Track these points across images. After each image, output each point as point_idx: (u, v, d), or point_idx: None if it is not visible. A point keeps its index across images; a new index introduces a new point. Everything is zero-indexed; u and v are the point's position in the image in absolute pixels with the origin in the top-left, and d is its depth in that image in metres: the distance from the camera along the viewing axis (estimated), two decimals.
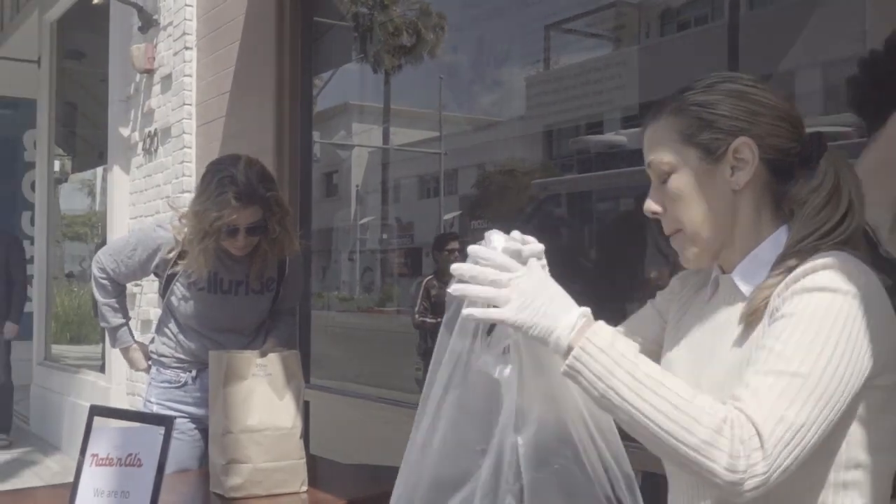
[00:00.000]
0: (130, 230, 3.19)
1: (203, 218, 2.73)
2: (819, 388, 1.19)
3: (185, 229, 2.85)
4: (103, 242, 6.84)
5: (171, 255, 2.93)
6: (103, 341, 7.85)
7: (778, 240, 1.37)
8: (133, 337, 3.20)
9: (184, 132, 5.04)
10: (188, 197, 4.82)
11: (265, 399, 2.55)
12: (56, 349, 8.54)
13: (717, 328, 1.41)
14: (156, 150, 5.38)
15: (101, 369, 6.79)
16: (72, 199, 10.39)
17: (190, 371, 3.02)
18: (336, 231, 5.24)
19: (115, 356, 5.93)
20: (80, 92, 8.23)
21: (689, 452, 1.16)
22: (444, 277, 4.43)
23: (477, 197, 4.58)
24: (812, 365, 1.19)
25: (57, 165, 8.77)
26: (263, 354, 2.59)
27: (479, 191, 4.60)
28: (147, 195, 5.51)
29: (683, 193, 1.37)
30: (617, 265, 3.47)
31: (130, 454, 1.98)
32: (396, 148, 5.22)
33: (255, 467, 2.50)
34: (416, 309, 4.74)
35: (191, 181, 4.98)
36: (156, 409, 3.01)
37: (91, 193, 10.65)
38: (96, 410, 2.11)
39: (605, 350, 1.21)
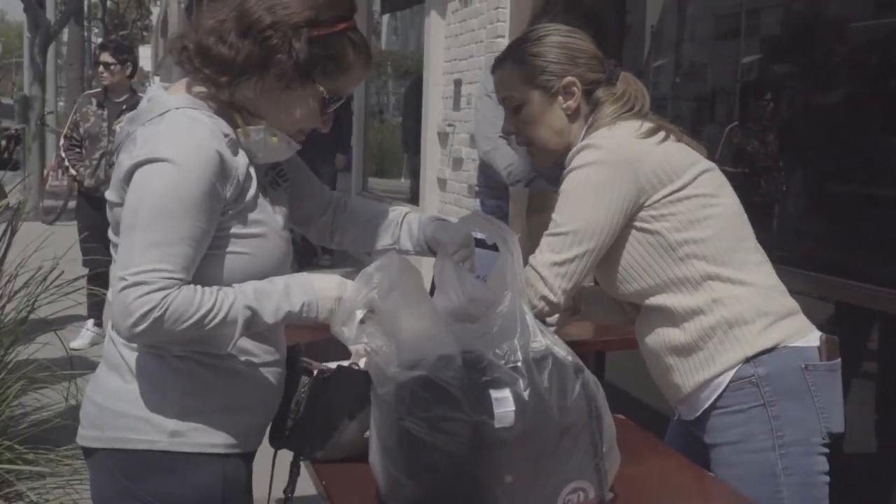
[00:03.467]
0: (475, 99, 3.48)
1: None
2: None
3: None
4: (417, 81, 7.25)
5: None
6: (410, 176, 8.46)
7: None
8: None
9: None
10: (502, 42, 5.06)
11: None
12: (370, 182, 9.30)
13: None
14: None
15: (413, 201, 7.35)
16: (375, 39, 10.92)
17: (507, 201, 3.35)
18: (630, 73, 5.25)
19: (428, 189, 6.43)
20: None
21: None
22: (751, 126, 4.38)
23: (780, 39, 4.41)
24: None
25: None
26: None
27: (783, 32, 4.42)
28: (461, 39, 5.79)
29: (531, 120, 1.94)
30: None
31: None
32: None
33: None
34: (716, 157, 4.71)
35: (505, 27, 5.15)
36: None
37: (395, 34, 11.15)
38: None
39: None
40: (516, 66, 1.95)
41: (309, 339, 1.79)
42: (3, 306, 3.39)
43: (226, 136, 1.55)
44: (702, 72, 5.09)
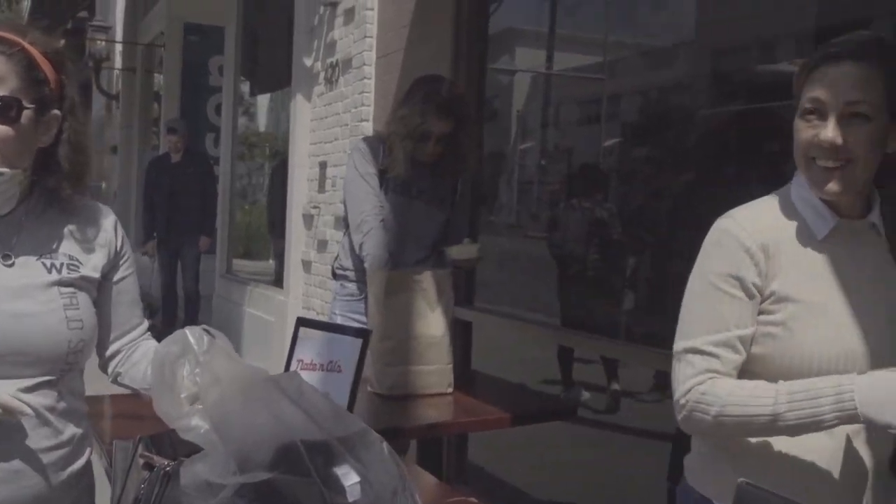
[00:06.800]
0: (347, 181, 3.39)
1: (408, 122, 3.17)
2: None
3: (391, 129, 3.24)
4: (283, 163, 7.19)
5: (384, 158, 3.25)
6: (276, 258, 8.31)
7: None
8: None
9: (364, 64, 5.21)
10: (366, 126, 5.09)
11: (419, 311, 2.88)
12: (235, 263, 9.11)
13: (870, 269, 1.63)
14: (336, 81, 5.61)
15: (278, 284, 7.22)
16: (246, 121, 10.88)
17: None
18: (496, 156, 5.36)
19: (292, 271, 6.33)
20: (263, 20, 8.51)
21: None
22: (608, 205, 4.52)
23: (639, 124, 4.60)
24: None
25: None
26: (422, 272, 2.94)
27: (641, 118, 4.62)
28: (327, 122, 5.78)
29: (870, 140, 1.54)
30: None
31: (332, 361, 2.24)
32: (558, 73, 5.26)
33: (408, 369, 2.83)
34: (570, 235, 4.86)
35: (369, 111, 5.18)
36: (339, 320, 3.30)
37: (265, 115, 11.13)
38: (302, 322, 2.36)
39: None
40: (884, 70, 1.55)
41: (154, 430, 1.70)
42: None
43: None
44: (565, 154, 5.26)
